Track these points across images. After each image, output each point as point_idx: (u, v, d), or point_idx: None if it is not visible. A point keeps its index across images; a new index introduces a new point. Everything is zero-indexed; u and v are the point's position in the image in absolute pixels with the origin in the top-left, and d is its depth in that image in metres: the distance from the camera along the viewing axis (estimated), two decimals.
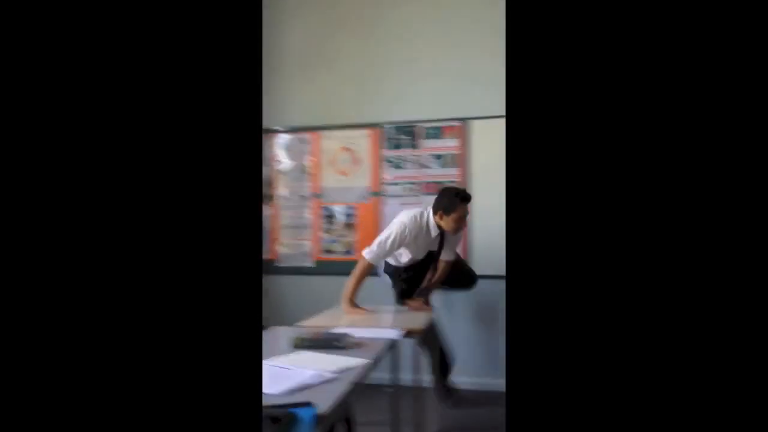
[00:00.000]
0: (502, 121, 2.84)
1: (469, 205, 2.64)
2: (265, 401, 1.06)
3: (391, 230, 2.60)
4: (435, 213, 2.62)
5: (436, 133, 3.42)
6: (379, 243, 2.57)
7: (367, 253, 2.57)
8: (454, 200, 2.58)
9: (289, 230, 3.63)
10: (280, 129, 3.64)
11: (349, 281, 2.53)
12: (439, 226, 2.63)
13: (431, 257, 2.80)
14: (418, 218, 2.63)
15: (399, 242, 2.59)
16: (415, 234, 2.61)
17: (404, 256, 2.75)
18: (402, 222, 2.60)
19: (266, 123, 3.36)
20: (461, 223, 2.64)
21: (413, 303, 2.72)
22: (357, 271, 2.55)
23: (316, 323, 2.23)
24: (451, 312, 3.26)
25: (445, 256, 2.79)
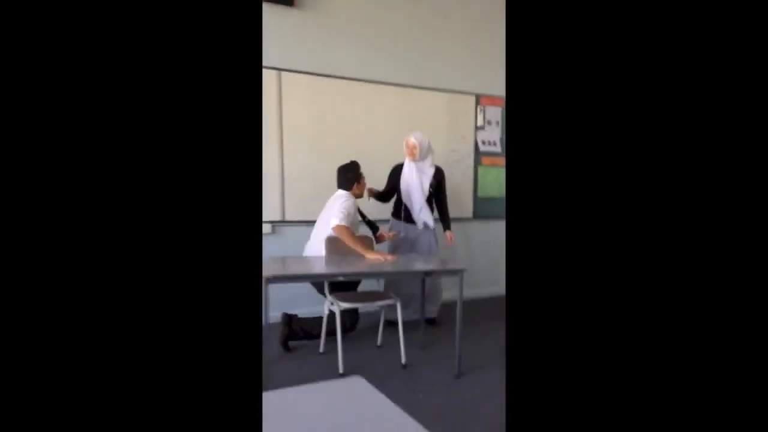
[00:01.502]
0: None
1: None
2: None
3: (345, 202, 3.14)
4: (350, 188, 3.27)
5: None
6: (346, 212, 3.07)
7: (342, 220, 3.03)
8: (356, 168, 3.30)
9: None
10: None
11: (353, 244, 3.02)
12: (356, 197, 3.29)
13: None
14: (349, 197, 3.24)
15: (354, 213, 3.18)
16: (354, 209, 3.23)
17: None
18: (345, 195, 3.21)
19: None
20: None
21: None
22: (344, 231, 3.02)
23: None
24: None
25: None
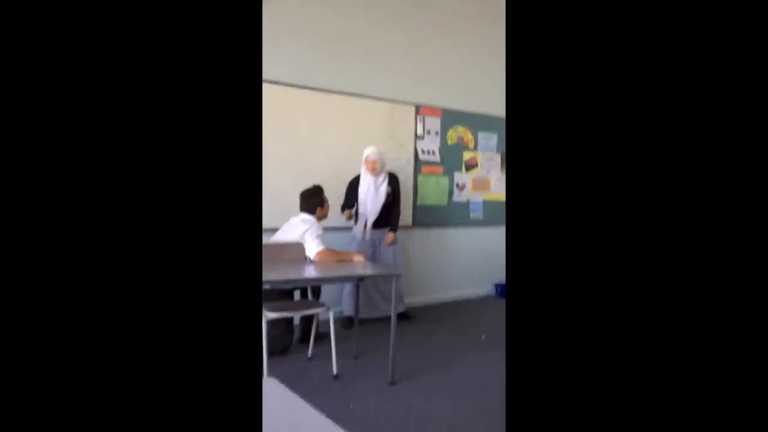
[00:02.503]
0: None
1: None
2: None
3: (312, 228, 3.17)
4: (314, 212, 3.29)
5: None
6: (319, 238, 3.15)
7: (319, 245, 3.13)
8: (320, 192, 3.34)
9: None
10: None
11: (341, 258, 3.18)
12: (318, 219, 3.33)
13: None
14: (315, 221, 3.28)
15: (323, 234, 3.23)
16: (321, 230, 3.28)
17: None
18: (311, 220, 3.23)
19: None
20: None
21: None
22: (328, 254, 3.13)
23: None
24: None
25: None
